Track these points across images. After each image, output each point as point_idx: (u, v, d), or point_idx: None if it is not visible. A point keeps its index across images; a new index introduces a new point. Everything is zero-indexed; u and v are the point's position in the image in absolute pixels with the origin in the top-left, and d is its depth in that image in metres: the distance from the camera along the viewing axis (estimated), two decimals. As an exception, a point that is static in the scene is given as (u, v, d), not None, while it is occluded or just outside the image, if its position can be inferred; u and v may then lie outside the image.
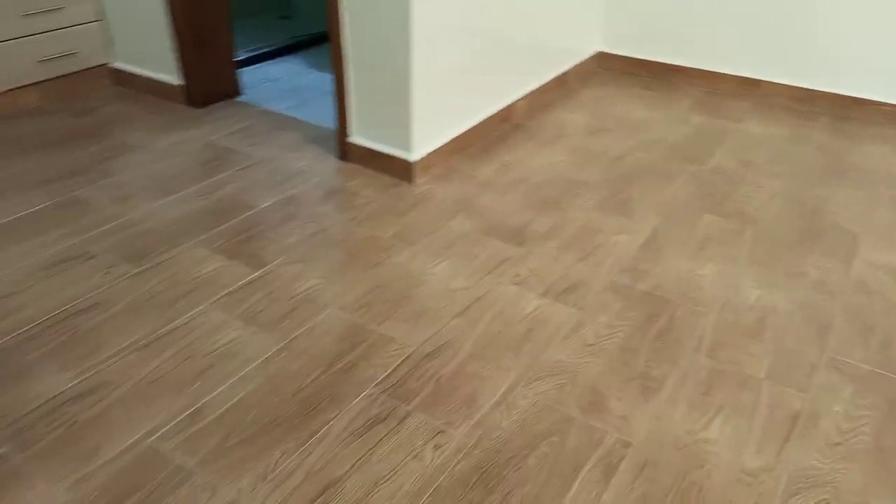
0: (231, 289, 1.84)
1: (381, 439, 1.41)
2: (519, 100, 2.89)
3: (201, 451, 1.37)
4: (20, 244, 2.00)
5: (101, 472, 1.33)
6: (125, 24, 2.92)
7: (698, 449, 1.41)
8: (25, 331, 1.67)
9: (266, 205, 2.23)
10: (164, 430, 1.42)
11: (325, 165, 2.48)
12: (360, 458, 1.37)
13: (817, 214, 2.26)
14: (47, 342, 1.64)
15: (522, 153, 2.63)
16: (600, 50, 3.50)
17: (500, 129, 2.81)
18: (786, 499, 1.31)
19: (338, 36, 2.29)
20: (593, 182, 2.44)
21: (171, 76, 2.90)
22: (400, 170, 2.37)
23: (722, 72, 3.23)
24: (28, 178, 2.34)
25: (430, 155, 2.40)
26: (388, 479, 1.32)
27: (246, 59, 3.37)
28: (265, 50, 3.48)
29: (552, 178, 2.45)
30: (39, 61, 2.83)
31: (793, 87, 3.09)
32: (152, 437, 1.40)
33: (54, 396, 1.49)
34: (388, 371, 1.58)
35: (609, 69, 3.51)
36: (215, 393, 1.51)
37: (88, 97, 3.00)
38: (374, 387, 1.54)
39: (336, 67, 2.36)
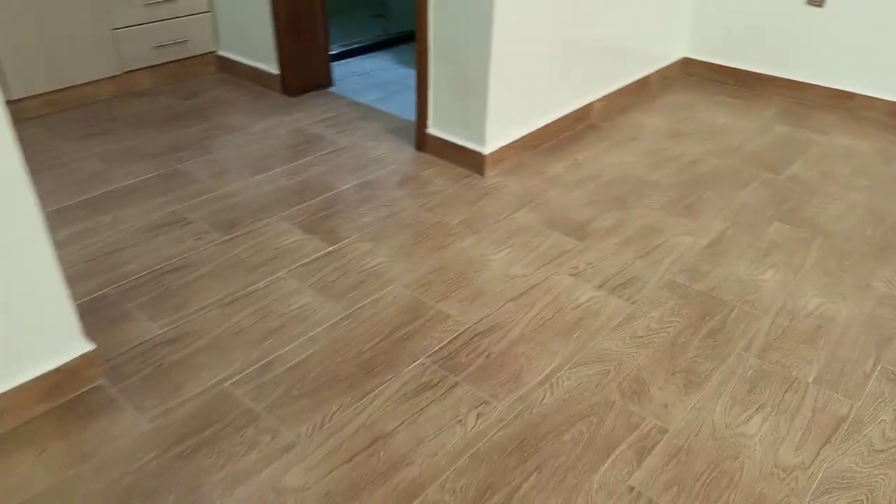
0: (307, 260, 1.99)
1: (429, 403, 1.52)
2: (596, 100, 2.94)
3: (268, 399, 1.52)
4: (129, 208, 2.23)
5: (181, 408, 1.50)
6: (231, 15, 3.17)
7: (735, 441, 1.44)
8: (126, 283, 1.88)
9: (345, 187, 2.38)
10: (238, 377, 1.58)
11: (403, 154, 2.62)
12: (408, 418, 1.48)
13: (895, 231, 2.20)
14: (143, 294, 1.84)
15: (594, 152, 2.68)
16: (686, 56, 3.49)
17: (575, 129, 2.87)
18: (817, 496, 1.32)
19: (424, 33, 2.42)
20: (664, 184, 2.46)
21: (269, 66, 3.12)
22: (472, 162, 2.48)
23: (812, 83, 3.16)
24: (139, 151, 2.60)
25: (501, 149, 2.50)
26: (432, 439, 1.43)
27: (339, 53, 3.56)
28: (358, 45, 3.67)
29: (621, 178, 2.50)
30: (154, 47, 3.11)
31: (889, 101, 2.99)
32: (227, 383, 1.57)
33: (145, 341, 1.68)
34: (442, 344, 1.69)
35: (694, 75, 3.49)
36: (285, 350, 1.66)
37: (194, 81, 3.27)
38: (427, 357, 1.65)
39: (419, 62, 2.49)
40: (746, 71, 3.33)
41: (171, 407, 1.50)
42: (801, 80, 3.18)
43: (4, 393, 1.40)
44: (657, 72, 3.32)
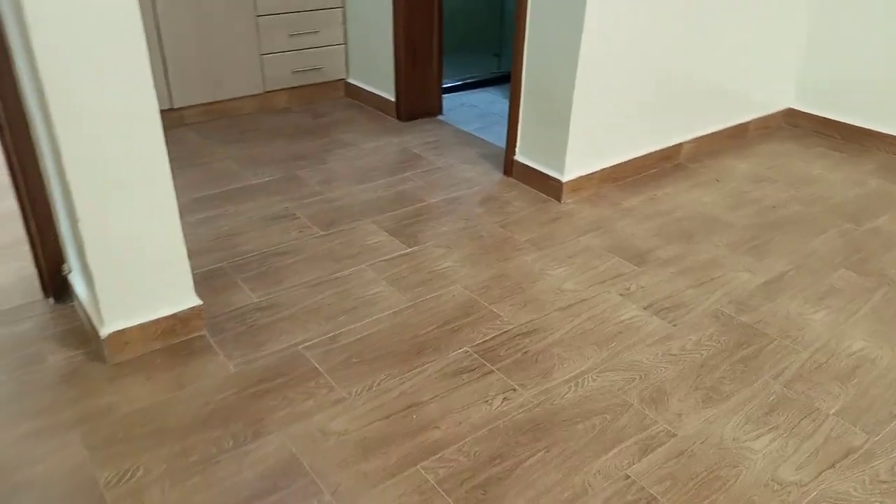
0: (387, 257, 2.28)
1: (464, 384, 1.73)
2: (686, 142, 3.05)
3: (331, 362, 1.80)
4: (252, 202, 2.64)
5: (261, 360, 1.81)
6: (361, 48, 3.60)
7: (738, 453, 1.54)
8: (238, 260, 2.25)
9: (433, 201, 2.67)
10: (311, 343, 1.88)
11: (491, 177, 2.87)
12: (443, 392, 1.70)
13: (972, 288, 2.16)
14: (249, 270, 2.20)
15: (674, 190, 2.80)
16: (790, 106, 3.50)
17: (661, 167, 3.00)
18: (804, 510, 1.40)
19: (519, 67, 2.68)
20: (736, 224, 2.54)
21: (387, 93, 3.51)
22: (550, 188, 2.68)
23: (921, 139, 3.09)
24: (268, 157, 3.03)
25: (580, 178, 2.68)
26: (460, 411, 1.64)
27: (453, 86, 3.90)
28: (472, 80, 4.00)
29: (695, 215, 2.60)
30: (293, 72, 3.59)
31: None
32: (301, 346, 1.86)
33: (243, 306, 2.03)
34: (487, 338, 1.90)
35: (797, 126, 3.50)
36: (353, 326, 1.94)
37: (324, 103, 3.71)
38: (471, 347, 1.87)
39: (513, 95, 2.74)
40: (852, 125, 3.30)
41: (253, 358, 1.81)
42: (908, 136, 3.12)
43: (132, 327, 1.77)
44: (757, 119, 3.37)
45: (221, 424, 1.60)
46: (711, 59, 2.94)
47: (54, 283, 1.98)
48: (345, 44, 3.69)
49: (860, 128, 3.28)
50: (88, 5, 1.41)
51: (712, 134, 3.17)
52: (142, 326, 1.79)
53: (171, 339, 1.85)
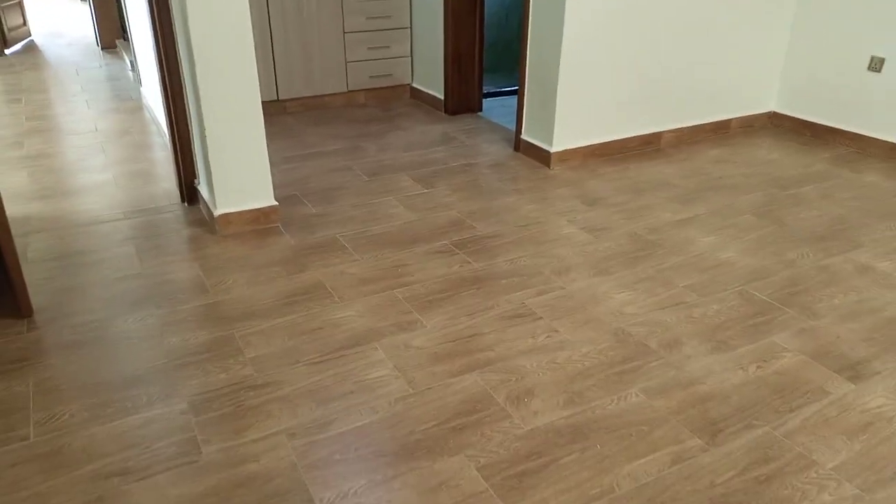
0: (408, 193, 3.21)
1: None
2: (667, 130, 3.80)
3: (356, 245, 2.73)
4: (322, 161, 3.65)
5: (311, 240, 2.77)
6: (422, 59, 4.60)
7: (605, 301, 2.32)
8: (306, 190, 3.25)
9: (453, 164, 3.58)
10: (345, 234, 2.82)
11: (503, 152, 3.75)
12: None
13: None
14: (312, 197, 3.19)
15: (646, 165, 3.56)
16: (773, 109, 4.15)
17: (643, 149, 3.76)
18: (628, 324, 2.17)
19: (524, 65, 3.57)
20: (681, 186, 3.28)
21: (438, 93, 4.48)
22: (543, 157, 3.53)
23: (871, 135, 3.67)
24: (342, 135, 4.06)
25: (566, 151, 3.51)
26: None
27: (494, 91, 4.83)
28: (509, 88, 4.90)
29: (652, 180, 3.36)
30: (371, 76, 4.64)
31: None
32: (338, 235, 2.81)
33: (306, 215, 3.00)
34: (462, 238, 2.77)
35: (779, 126, 4.14)
36: (374, 228, 2.87)
37: (392, 102, 4.74)
38: (449, 241, 2.74)
39: (520, 85, 3.63)
40: (822, 124, 3.92)
41: (307, 239, 2.78)
42: (860, 132, 3.72)
43: (233, 213, 2.79)
44: (740, 118, 4.05)
45: (280, 263, 2.56)
46: (694, 61, 3.69)
47: (188, 191, 3.05)
48: (410, 56, 4.71)
49: (828, 126, 3.89)
50: (223, 18, 2.46)
51: (694, 126, 3.90)
52: (239, 213, 2.80)
53: (257, 224, 2.86)
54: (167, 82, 2.83)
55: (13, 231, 2.78)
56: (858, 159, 3.60)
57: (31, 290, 2.38)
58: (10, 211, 3.02)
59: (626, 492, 1.56)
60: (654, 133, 3.77)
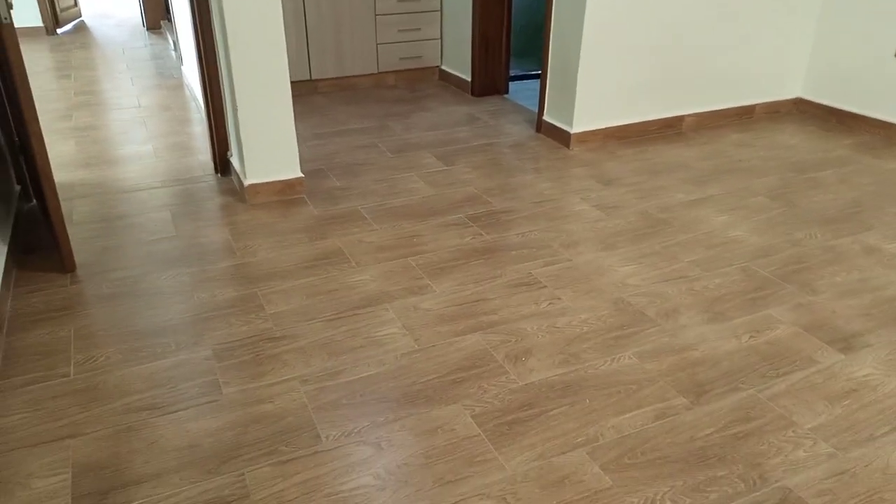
0: (429, 170, 3.33)
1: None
2: (689, 115, 3.84)
3: (375, 215, 2.87)
4: (350, 138, 3.79)
5: (333, 210, 2.92)
6: (451, 41, 4.70)
7: (617, 279, 2.42)
8: (332, 165, 3.40)
9: (475, 143, 3.68)
10: (366, 206, 2.96)
11: (525, 133, 3.84)
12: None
13: None
14: (337, 171, 3.33)
15: (665, 148, 3.62)
16: (799, 96, 4.15)
17: (664, 132, 3.81)
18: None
19: (546, 49, 3.65)
20: (698, 168, 3.33)
21: (465, 75, 4.58)
22: (563, 138, 3.61)
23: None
24: (370, 115, 4.20)
25: (586, 132, 3.59)
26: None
27: (522, 74, 4.90)
28: (537, 72, 4.97)
29: (670, 162, 3.42)
30: (401, 58, 4.76)
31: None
32: (360, 207, 2.95)
33: (330, 188, 3.15)
34: (477, 212, 2.89)
35: (805, 112, 4.14)
36: (394, 200, 3.00)
37: (421, 83, 4.85)
38: (464, 215, 2.86)
39: (543, 70, 3.71)
40: (847, 111, 3.91)
41: (330, 210, 2.92)
42: (886, 119, 3.70)
43: (261, 183, 2.95)
44: (765, 104, 4.06)
45: (303, 230, 2.71)
46: (718, 46, 3.72)
47: (221, 163, 3.22)
48: (440, 39, 4.81)
49: (853, 113, 3.88)
50: (255, 4, 2.61)
51: (717, 111, 3.93)
52: (267, 183, 2.96)
53: (283, 195, 3.02)
54: (204, 62, 3.00)
55: (60, 195, 2.99)
56: (882, 146, 3.60)
57: (74, 249, 2.58)
58: (58, 177, 3.23)
59: (608, 441, 1.67)
60: (675, 116, 3.82)
